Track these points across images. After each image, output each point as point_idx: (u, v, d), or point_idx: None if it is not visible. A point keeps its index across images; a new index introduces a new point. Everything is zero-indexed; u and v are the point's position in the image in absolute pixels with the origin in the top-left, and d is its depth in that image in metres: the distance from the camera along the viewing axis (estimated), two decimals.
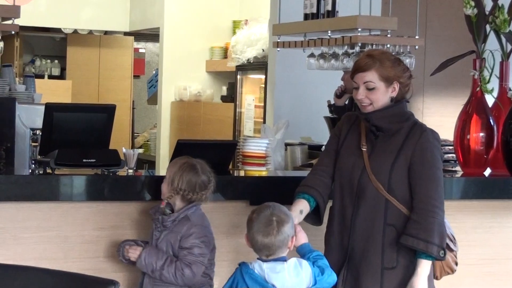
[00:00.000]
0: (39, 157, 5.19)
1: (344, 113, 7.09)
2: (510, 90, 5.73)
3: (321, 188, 4.44)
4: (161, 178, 4.79)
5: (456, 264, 4.58)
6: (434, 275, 4.48)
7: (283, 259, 4.11)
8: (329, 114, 7.19)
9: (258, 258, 4.13)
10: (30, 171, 5.20)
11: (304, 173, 5.97)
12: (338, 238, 4.40)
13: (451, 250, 4.52)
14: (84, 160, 4.97)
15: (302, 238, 4.25)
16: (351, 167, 4.39)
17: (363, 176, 4.33)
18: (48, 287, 3.12)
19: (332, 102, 7.41)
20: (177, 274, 4.36)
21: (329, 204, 4.51)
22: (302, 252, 4.23)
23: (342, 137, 4.51)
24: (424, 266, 4.24)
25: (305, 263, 4.15)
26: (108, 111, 5.30)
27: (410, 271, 4.28)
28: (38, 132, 5.58)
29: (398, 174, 4.28)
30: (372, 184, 4.30)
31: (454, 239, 4.58)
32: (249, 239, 4.12)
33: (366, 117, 4.35)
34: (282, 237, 4.06)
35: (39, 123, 5.68)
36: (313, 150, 6.96)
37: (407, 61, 6.40)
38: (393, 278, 4.31)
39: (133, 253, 4.45)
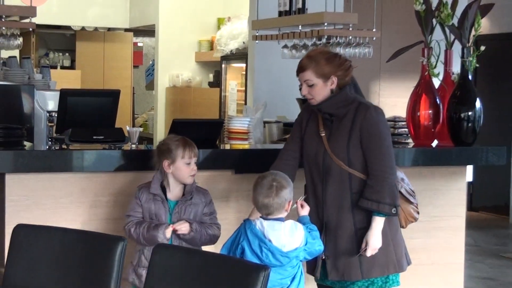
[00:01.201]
0: (55, 135, 5.20)
1: None
2: (453, 74, 5.75)
3: (288, 171, 4.40)
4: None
5: (418, 213, 4.59)
6: (400, 224, 4.50)
7: (281, 220, 4.11)
8: (300, 96, 7.20)
9: (260, 217, 4.13)
10: (48, 147, 5.20)
11: (280, 145, 6.00)
12: (314, 212, 4.40)
13: (411, 202, 4.55)
14: (94, 137, 4.98)
15: (305, 211, 4.27)
16: (315, 151, 4.40)
17: (326, 158, 4.35)
18: (68, 243, 3.14)
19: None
20: (213, 236, 4.33)
21: (303, 182, 4.53)
22: (302, 222, 4.22)
23: (303, 125, 4.52)
24: (378, 222, 4.26)
25: (300, 226, 4.15)
26: (114, 95, 5.31)
27: None
28: (53, 114, 5.57)
29: (353, 150, 4.30)
30: (334, 163, 4.31)
31: (413, 192, 4.58)
32: (253, 200, 4.13)
33: (317, 107, 4.38)
34: (279, 200, 4.07)
35: (54, 106, 5.68)
36: (287, 127, 6.95)
37: (366, 50, 6.43)
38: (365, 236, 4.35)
39: (185, 227, 4.23)
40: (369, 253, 4.27)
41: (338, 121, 4.34)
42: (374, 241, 4.28)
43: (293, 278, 4.15)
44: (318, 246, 4.20)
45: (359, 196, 4.29)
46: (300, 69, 4.37)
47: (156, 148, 4.40)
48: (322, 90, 4.31)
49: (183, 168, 4.29)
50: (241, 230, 4.15)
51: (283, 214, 4.14)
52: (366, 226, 4.32)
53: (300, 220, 4.25)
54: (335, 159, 4.31)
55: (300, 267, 4.20)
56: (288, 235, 4.10)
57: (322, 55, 4.39)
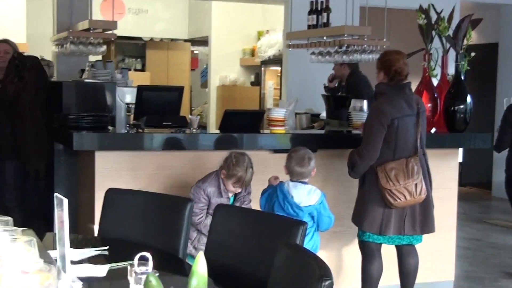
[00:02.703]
0: (133, 121, 5.26)
1: (333, 92, 7.15)
2: (448, 75, 5.72)
3: None
4: (210, 136, 4.84)
5: (394, 199, 4.42)
6: (386, 202, 4.47)
7: (304, 183, 4.28)
8: (324, 93, 7.21)
9: (290, 180, 4.31)
10: (126, 131, 5.27)
11: (308, 131, 6.03)
12: None
13: (385, 188, 4.44)
14: (163, 123, 5.03)
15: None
16: None
17: None
18: (147, 203, 3.19)
19: (326, 84, 7.43)
20: None
21: None
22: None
23: None
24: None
25: (318, 190, 4.30)
26: (179, 90, 5.37)
27: (370, 187, 4.53)
28: (130, 105, 5.63)
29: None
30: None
31: (397, 181, 4.42)
32: (288, 168, 4.32)
33: None
34: (310, 168, 4.28)
35: (130, 99, 5.74)
36: (313, 117, 6.96)
37: (377, 56, 6.38)
38: (362, 192, 4.62)
39: None
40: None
41: None
42: None
43: (307, 233, 4.26)
44: (328, 216, 4.35)
45: None
46: None
47: (230, 155, 4.28)
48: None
49: (230, 186, 4.23)
50: (275, 188, 4.34)
51: (307, 179, 4.32)
52: (364, 186, 4.57)
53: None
54: None
55: (314, 227, 4.33)
56: (306, 194, 4.27)
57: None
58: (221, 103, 11.36)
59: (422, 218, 4.55)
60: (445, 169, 5.59)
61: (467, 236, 7.66)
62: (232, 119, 5.07)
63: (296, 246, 2.42)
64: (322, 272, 2.00)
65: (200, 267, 1.09)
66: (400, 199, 4.41)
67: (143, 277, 1.60)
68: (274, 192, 4.32)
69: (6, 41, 5.77)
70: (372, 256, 4.62)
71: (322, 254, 4.49)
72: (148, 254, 1.50)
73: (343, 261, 5.30)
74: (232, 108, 10.60)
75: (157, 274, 1.16)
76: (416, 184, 4.41)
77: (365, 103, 5.71)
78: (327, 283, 1.96)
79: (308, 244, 4.24)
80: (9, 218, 2.41)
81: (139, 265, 1.52)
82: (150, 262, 1.49)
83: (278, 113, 5.49)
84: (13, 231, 2.23)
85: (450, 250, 5.67)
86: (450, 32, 5.58)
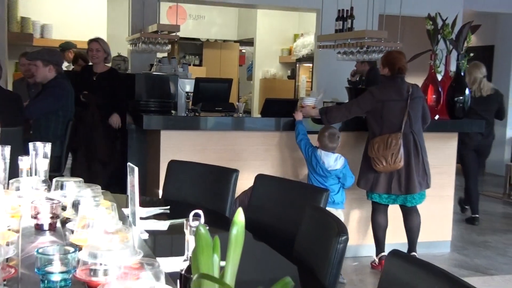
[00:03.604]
0: (191, 107, 5.31)
1: (355, 85, 7.10)
2: (451, 71, 5.66)
3: None
4: (254, 119, 4.83)
5: (376, 165, 4.54)
6: (374, 167, 4.61)
7: (333, 152, 4.48)
8: (347, 85, 7.16)
9: (322, 150, 4.50)
10: (186, 114, 5.32)
11: None
12: None
13: (368, 157, 4.64)
14: (216, 108, 5.07)
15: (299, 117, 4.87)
16: None
17: None
18: (201, 172, 3.21)
19: (349, 78, 7.38)
20: None
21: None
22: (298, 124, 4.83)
23: None
24: (314, 112, 4.83)
25: (342, 158, 4.52)
26: (228, 82, 5.39)
27: (365, 155, 4.70)
28: (189, 93, 5.68)
29: None
30: None
31: (383, 149, 4.54)
32: (321, 143, 4.51)
33: None
34: (338, 143, 4.51)
35: (190, 88, 5.79)
36: (338, 105, 6.92)
37: None
38: (362, 160, 4.79)
39: None
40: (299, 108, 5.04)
41: None
42: (305, 110, 4.91)
43: (336, 189, 4.51)
44: (350, 176, 4.54)
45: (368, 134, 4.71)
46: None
47: None
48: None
49: None
50: (312, 150, 4.53)
51: (335, 150, 4.54)
52: (363, 155, 4.69)
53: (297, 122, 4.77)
54: None
55: (340, 185, 4.53)
56: (333, 161, 4.47)
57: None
58: (263, 93, 11.37)
59: (406, 181, 4.63)
60: (446, 149, 5.53)
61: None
62: (272, 106, 5.08)
63: (320, 208, 2.44)
64: (340, 229, 2.03)
65: (239, 217, 1.12)
66: (379, 165, 4.54)
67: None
68: (310, 151, 4.55)
69: (96, 40, 5.72)
70: (376, 209, 4.82)
71: (341, 216, 4.50)
72: (200, 212, 1.54)
73: (359, 222, 5.31)
74: (271, 97, 10.67)
75: (207, 227, 1.20)
76: (392, 154, 4.51)
77: None
78: (343, 238, 1.99)
79: (337, 198, 4.50)
80: (98, 186, 2.44)
81: (193, 220, 1.55)
82: (202, 218, 1.53)
83: (309, 101, 5.50)
84: (98, 196, 2.27)
85: (448, 216, 5.62)
86: (453, 36, 5.50)
